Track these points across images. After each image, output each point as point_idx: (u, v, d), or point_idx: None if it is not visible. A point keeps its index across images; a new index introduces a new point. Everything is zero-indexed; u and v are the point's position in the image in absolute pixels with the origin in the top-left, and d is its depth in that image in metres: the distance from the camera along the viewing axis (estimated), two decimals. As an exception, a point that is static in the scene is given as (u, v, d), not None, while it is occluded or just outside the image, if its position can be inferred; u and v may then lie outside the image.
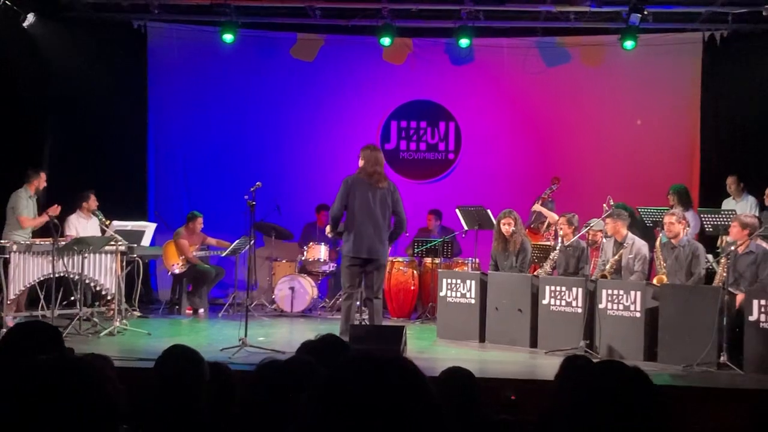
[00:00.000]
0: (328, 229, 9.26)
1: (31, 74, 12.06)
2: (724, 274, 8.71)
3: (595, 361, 5.04)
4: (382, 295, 9.42)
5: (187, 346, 3.98)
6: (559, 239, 10.16)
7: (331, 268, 12.66)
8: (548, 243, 11.04)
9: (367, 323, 8.97)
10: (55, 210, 10.07)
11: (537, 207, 11.66)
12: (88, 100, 12.72)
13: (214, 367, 4.04)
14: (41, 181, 10.78)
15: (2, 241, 9.81)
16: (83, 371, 1.81)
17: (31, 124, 12.25)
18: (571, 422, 1.92)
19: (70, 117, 12.77)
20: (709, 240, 10.37)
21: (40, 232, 10.59)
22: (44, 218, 10.19)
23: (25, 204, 10.46)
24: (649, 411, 1.89)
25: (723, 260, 8.84)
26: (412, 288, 12.03)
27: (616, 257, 9.53)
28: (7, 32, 11.61)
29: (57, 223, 9.80)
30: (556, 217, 11.09)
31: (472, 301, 9.96)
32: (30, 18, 11.97)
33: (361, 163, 8.95)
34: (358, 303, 9.08)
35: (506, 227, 10.25)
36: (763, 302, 8.20)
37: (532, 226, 11.77)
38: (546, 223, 11.59)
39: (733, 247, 8.85)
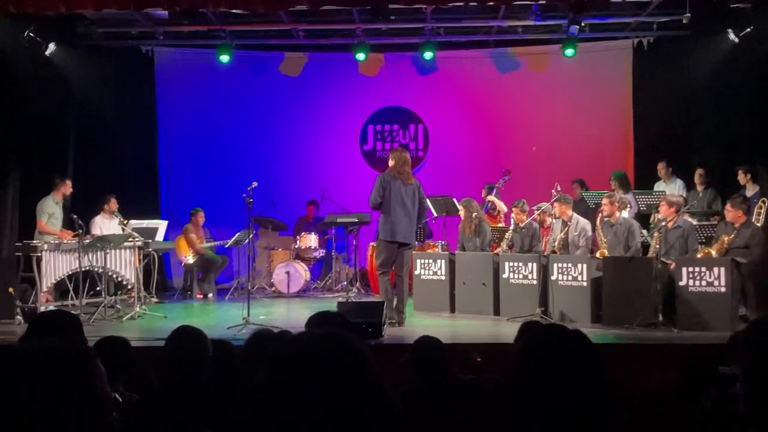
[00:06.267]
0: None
1: (56, 95, 11.85)
2: (657, 246, 8.75)
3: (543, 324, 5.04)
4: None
5: (192, 326, 3.93)
6: (512, 222, 10.21)
7: (321, 254, 12.60)
8: (504, 225, 11.01)
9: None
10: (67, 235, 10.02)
11: (491, 197, 11.56)
12: (105, 116, 12.54)
13: (218, 343, 3.98)
14: (67, 187, 10.65)
15: (35, 242, 9.69)
16: (61, 358, 1.65)
17: (57, 138, 12.05)
18: (525, 378, 1.92)
19: (91, 131, 12.59)
20: (645, 217, 10.40)
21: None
22: (63, 235, 10.11)
23: (48, 210, 10.30)
24: (587, 364, 1.90)
25: (656, 234, 8.88)
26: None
27: (563, 234, 9.56)
28: (34, 60, 11.46)
29: (82, 224, 9.67)
30: (505, 208, 11.16)
31: (443, 278, 9.95)
32: (51, 47, 11.82)
33: (391, 162, 9.02)
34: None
35: (462, 212, 10.42)
36: (690, 269, 8.29)
37: (488, 212, 11.67)
38: (497, 211, 11.53)
39: (663, 223, 8.90)
